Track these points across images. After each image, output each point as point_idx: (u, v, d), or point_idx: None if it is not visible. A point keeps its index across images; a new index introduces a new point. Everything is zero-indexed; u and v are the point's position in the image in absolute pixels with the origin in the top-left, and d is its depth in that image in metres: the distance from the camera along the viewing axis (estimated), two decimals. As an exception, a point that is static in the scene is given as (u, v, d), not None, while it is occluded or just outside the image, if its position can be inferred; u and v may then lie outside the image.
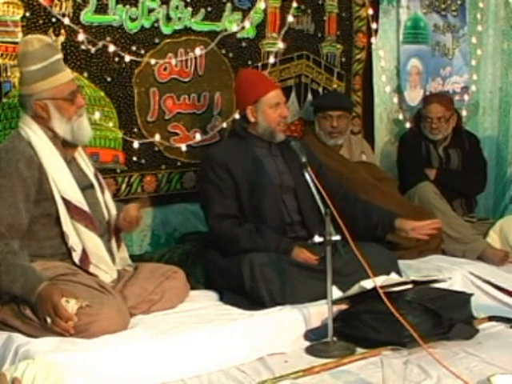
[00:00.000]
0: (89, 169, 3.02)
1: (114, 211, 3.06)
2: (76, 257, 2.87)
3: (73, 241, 2.86)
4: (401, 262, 3.50)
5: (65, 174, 2.87)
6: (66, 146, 2.92)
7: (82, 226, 2.87)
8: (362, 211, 3.50)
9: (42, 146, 2.83)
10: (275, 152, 3.49)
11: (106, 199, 3.04)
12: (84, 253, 2.88)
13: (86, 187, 2.94)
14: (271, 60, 4.07)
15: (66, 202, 2.84)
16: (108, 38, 3.49)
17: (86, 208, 2.89)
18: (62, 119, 2.85)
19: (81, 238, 2.87)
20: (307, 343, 2.89)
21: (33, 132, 2.84)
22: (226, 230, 3.31)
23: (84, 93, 3.45)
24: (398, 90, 4.83)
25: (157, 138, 3.69)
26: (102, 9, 3.47)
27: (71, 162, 2.94)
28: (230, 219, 3.33)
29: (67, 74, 2.91)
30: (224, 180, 3.36)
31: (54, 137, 2.87)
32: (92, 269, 2.89)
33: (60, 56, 2.90)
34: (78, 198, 2.87)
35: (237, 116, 3.91)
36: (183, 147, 3.79)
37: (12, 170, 2.76)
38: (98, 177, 3.06)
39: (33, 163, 2.79)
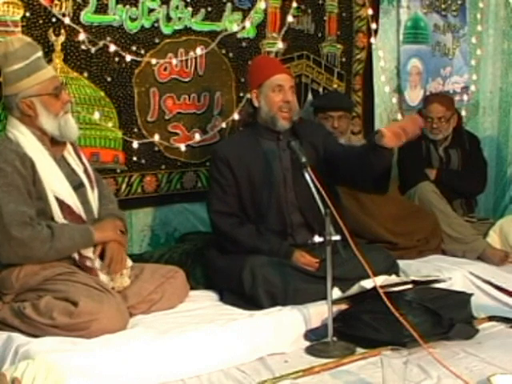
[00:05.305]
0: (78, 166, 3.02)
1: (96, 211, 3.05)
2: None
3: None
4: (401, 262, 3.50)
5: (56, 173, 2.88)
6: (54, 145, 2.93)
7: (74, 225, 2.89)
8: (356, 154, 3.29)
9: (31, 146, 2.85)
10: (283, 145, 3.35)
11: (95, 197, 3.04)
12: (78, 251, 2.90)
13: (76, 186, 2.95)
14: (271, 60, 4.07)
15: (60, 202, 2.86)
16: (108, 38, 3.49)
17: (77, 208, 2.91)
18: (49, 115, 2.86)
19: None
20: (307, 343, 2.89)
21: (20, 133, 2.85)
22: (225, 229, 3.31)
23: (84, 93, 3.45)
24: (398, 90, 4.83)
25: (157, 138, 3.69)
26: (101, 9, 3.47)
27: (61, 161, 2.95)
28: (231, 218, 3.33)
29: (49, 71, 2.94)
30: (225, 176, 3.35)
31: (42, 136, 2.89)
32: (89, 263, 2.91)
33: (41, 53, 2.92)
34: (71, 198, 2.90)
35: (236, 117, 3.93)
36: (183, 147, 3.79)
37: (11, 169, 2.77)
38: (88, 173, 3.06)
39: (26, 161, 2.81)
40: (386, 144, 3.02)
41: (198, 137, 3.84)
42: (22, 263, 2.80)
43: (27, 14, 3.24)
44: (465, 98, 5.16)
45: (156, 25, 3.67)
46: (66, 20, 3.33)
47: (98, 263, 2.93)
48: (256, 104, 3.42)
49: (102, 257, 2.95)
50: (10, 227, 2.73)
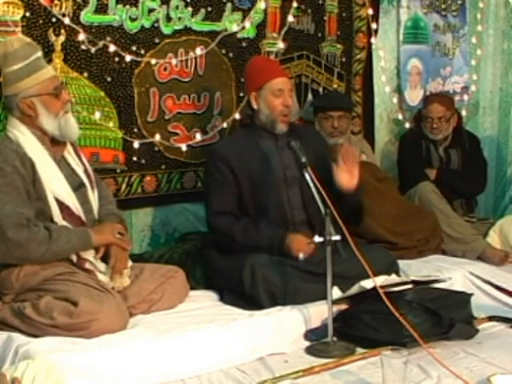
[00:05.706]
0: (78, 167, 3.02)
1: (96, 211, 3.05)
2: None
3: None
4: (401, 262, 3.50)
5: (56, 174, 2.88)
6: (54, 145, 2.93)
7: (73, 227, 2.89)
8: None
9: (31, 146, 2.84)
10: (281, 144, 3.37)
11: (95, 197, 3.04)
12: (77, 253, 2.89)
13: (77, 187, 2.95)
14: (271, 60, 4.07)
15: (59, 203, 2.85)
16: (108, 38, 3.49)
17: (76, 209, 2.90)
18: (50, 115, 2.86)
19: None
20: (307, 343, 2.89)
21: (21, 133, 2.85)
22: (222, 226, 3.30)
23: (84, 93, 3.45)
24: (398, 90, 4.84)
25: (157, 138, 3.69)
26: (101, 9, 3.47)
27: (61, 161, 2.95)
28: (228, 216, 3.32)
29: (49, 70, 2.94)
30: (225, 175, 3.34)
31: (43, 136, 2.88)
32: (88, 265, 2.90)
33: (40, 54, 2.92)
34: (70, 199, 2.89)
35: (237, 116, 3.93)
36: (183, 147, 3.78)
37: (11, 169, 2.77)
38: (88, 173, 3.05)
39: (26, 161, 2.81)
40: (348, 189, 3.20)
41: (198, 137, 3.84)
42: (20, 264, 2.80)
43: (27, 14, 3.24)
44: (465, 97, 5.17)
45: (156, 25, 3.67)
46: (66, 20, 3.33)
47: (101, 266, 2.92)
48: (255, 106, 3.42)
49: (102, 259, 2.95)
50: (6, 229, 2.72)
